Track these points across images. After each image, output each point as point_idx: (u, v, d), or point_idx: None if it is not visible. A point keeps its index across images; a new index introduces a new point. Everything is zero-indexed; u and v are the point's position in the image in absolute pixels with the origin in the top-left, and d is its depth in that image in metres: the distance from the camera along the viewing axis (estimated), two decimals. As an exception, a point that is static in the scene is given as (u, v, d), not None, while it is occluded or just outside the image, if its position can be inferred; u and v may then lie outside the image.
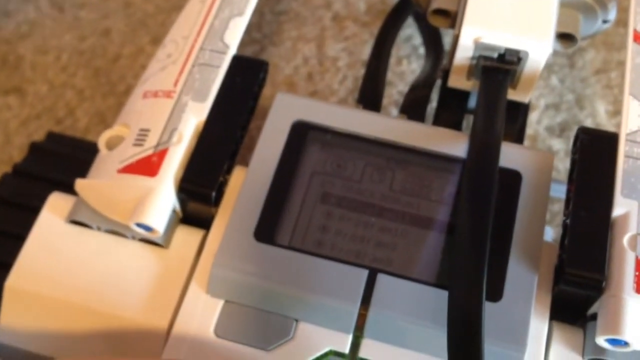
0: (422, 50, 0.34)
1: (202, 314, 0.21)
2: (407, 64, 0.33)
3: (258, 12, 0.35)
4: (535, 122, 0.31)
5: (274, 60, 0.34)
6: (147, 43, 0.35)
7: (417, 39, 0.34)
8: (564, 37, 0.26)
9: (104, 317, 0.21)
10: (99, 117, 0.33)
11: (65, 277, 0.21)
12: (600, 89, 0.32)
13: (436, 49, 0.31)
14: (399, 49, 0.34)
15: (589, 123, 0.31)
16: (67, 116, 0.33)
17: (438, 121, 0.26)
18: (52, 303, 0.21)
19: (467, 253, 0.19)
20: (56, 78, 0.34)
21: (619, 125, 0.31)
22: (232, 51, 0.24)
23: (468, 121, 0.28)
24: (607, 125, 0.32)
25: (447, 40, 0.33)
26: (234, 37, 0.24)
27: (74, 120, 0.33)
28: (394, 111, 0.32)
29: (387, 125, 0.23)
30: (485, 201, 0.20)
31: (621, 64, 0.33)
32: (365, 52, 0.34)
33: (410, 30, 0.34)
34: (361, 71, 0.33)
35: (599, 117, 0.32)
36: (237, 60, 0.24)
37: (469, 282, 0.19)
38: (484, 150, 0.22)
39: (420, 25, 0.33)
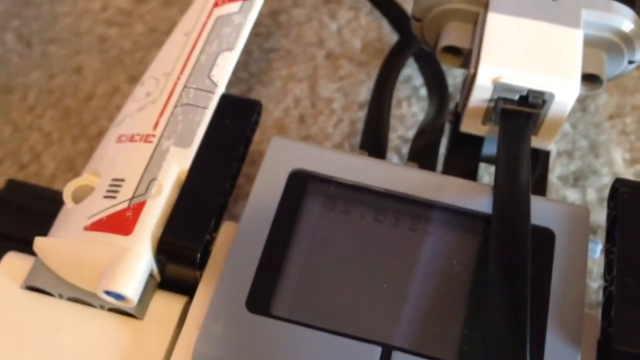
0: (423, 91, 0.31)
1: (183, 400, 0.17)
2: (408, 106, 0.31)
3: (245, 49, 0.32)
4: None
5: (262, 101, 0.31)
6: (123, 82, 0.32)
7: (417, 80, 0.31)
8: (588, 79, 0.23)
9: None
10: (68, 163, 0.30)
11: (19, 354, 0.18)
12: (615, 135, 0.30)
13: (440, 90, 0.29)
14: (398, 91, 0.31)
15: (605, 172, 0.29)
16: (31, 162, 0.30)
17: (449, 170, 0.23)
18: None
19: (505, 328, 0.16)
20: (21, 119, 0.31)
21: (638, 174, 0.29)
22: (221, 90, 0.21)
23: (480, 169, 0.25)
24: (625, 174, 0.29)
25: (450, 82, 0.30)
26: (222, 74, 0.21)
27: (40, 167, 0.29)
28: (395, 158, 0.29)
29: (397, 175, 0.20)
30: (521, 269, 0.17)
31: (636, 109, 0.31)
32: (362, 93, 0.31)
33: (409, 70, 0.32)
34: (358, 114, 0.30)
35: (616, 166, 0.29)
36: (226, 100, 0.21)
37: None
38: (512, 206, 0.19)
39: (422, 65, 0.31)
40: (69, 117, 0.31)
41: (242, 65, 0.32)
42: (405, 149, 0.30)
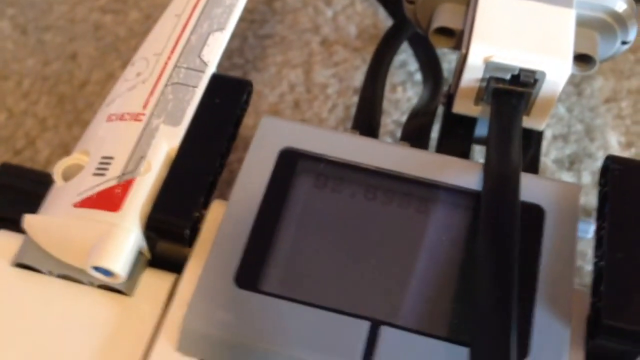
0: (418, 76, 0.31)
1: (172, 375, 0.17)
2: (402, 91, 0.31)
3: (240, 35, 0.32)
4: (543, 154, 0.29)
5: (257, 87, 0.31)
6: (117, 68, 0.32)
7: (412, 65, 0.31)
8: (581, 59, 0.23)
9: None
10: (62, 148, 0.30)
11: (9, 331, 0.18)
12: (611, 119, 0.30)
13: (435, 75, 0.29)
14: (393, 76, 0.31)
15: (600, 155, 0.29)
16: (26, 147, 0.30)
17: (442, 151, 0.23)
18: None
19: (492, 305, 0.16)
20: (16, 105, 0.31)
21: (633, 157, 0.29)
22: (211, 69, 0.21)
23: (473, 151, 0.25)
24: (621, 158, 0.29)
25: (445, 67, 0.30)
26: (213, 53, 0.21)
27: (34, 152, 0.29)
28: (389, 141, 0.29)
29: (388, 153, 0.20)
30: (509, 243, 0.17)
31: (632, 93, 0.31)
32: (357, 78, 0.31)
33: (404, 56, 0.32)
34: (352, 99, 0.30)
35: (611, 149, 0.29)
36: (216, 80, 0.21)
37: (496, 340, 0.15)
38: (502, 182, 0.19)
39: (416, 50, 0.31)
40: (64, 103, 0.31)
41: (238, 51, 0.32)
42: (399, 133, 0.29)
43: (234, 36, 0.23)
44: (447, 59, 0.31)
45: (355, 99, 0.30)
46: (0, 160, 0.29)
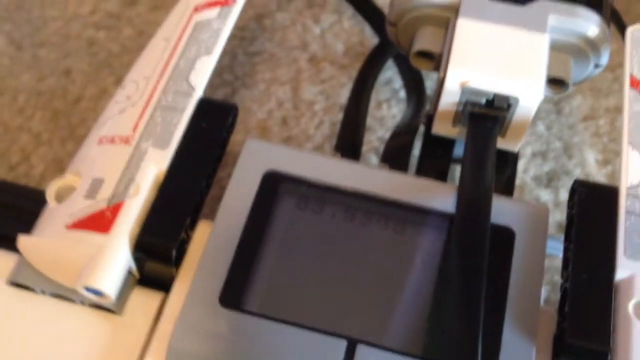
0: (403, 94, 0.32)
1: (159, 391, 0.18)
2: (387, 108, 0.32)
3: (230, 53, 0.33)
4: (521, 171, 0.30)
5: (246, 103, 0.32)
6: (111, 84, 0.32)
7: (398, 82, 0.32)
8: (555, 83, 0.24)
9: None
10: (57, 164, 0.30)
11: (2, 348, 0.19)
12: (588, 136, 0.31)
13: (418, 93, 0.30)
14: (378, 93, 0.32)
15: (578, 172, 0.30)
16: (21, 162, 0.30)
17: (422, 170, 0.24)
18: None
19: (458, 323, 0.17)
20: (11, 120, 0.31)
21: (609, 175, 0.30)
22: (198, 93, 0.22)
23: (453, 171, 0.26)
24: (597, 175, 0.30)
25: (429, 85, 0.31)
26: (200, 78, 0.22)
27: (29, 167, 0.30)
28: (374, 158, 0.30)
29: (367, 176, 0.21)
30: (477, 264, 0.18)
31: (609, 111, 0.32)
32: (344, 95, 0.32)
33: (390, 73, 0.32)
34: (339, 115, 0.31)
35: (588, 167, 0.30)
36: (203, 104, 0.22)
37: (462, 354, 0.16)
38: (473, 206, 0.20)
39: (401, 68, 0.31)
40: (58, 118, 0.32)
41: (227, 68, 0.33)
42: (383, 150, 0.30)
43: (224, 53, 0.24)
44: (432, 77, 0.32)
45: (341, 116, 0.31)
46: (-5, 175, 0.30)
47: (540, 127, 0.31)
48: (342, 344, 0.18)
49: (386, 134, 0.31)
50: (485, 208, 0.19)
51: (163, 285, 0.20)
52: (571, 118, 0.31)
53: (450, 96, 0.23)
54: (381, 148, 0.30)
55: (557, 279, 0.27)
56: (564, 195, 0.29)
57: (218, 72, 0.33)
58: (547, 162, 0.30)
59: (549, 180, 0.30)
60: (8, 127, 0.31)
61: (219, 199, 0.25)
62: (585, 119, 0.31)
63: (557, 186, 0.29)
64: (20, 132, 0.31)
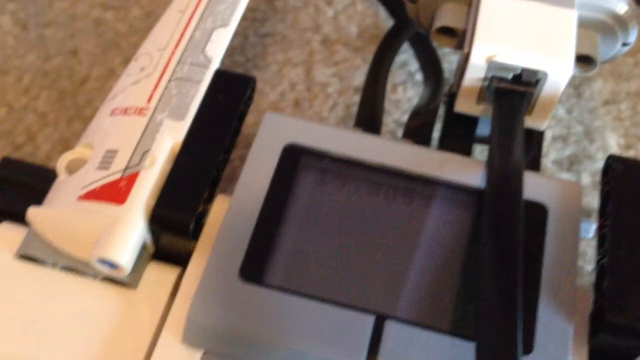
0: (418, 76, 0.31)
1: (176, 368, 0.17)
2: (403, 91, 0.31)
3: (242, 34, 0.32)
4: (542, 155, 0.29)
5: (258, 85, 0.31)
6: (118, 64, 0.32)
7: (413, 65, 0.31)
8: (582, 60, 0.23)
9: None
10: (63, 144, 0.29)
11: (12, 324, 0.18)
12: (610, 120, 0.30)
13: (435, 74, 0.29)
14: (393, 76, 0.31)
15: (599, 157, 0.29)
16: (26, 142, 0.29)
17: (443, 150, 0.23)
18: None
19: (497, 300, 0.16)
20: (16, 101, 0.31)
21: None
22: (215, 65, 0.21)
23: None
24: (619, 160, 0.29)
25: (446, 67, 0.30)
26: (217, 49, 0.21)
27: (35, 147, 0.29)
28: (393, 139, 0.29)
29: (392, 150, 0.20)
30: (513, 240, 0.17)
31: (630, 96, 0.31)
32: (358, 78, 0.31)
33: (405, 56, 0.32)
34: (353, 98, 0.31)
35: (610, 151, 0.29)
36: (220, 76, 0.21)
37: (502, 336, 0.15)
38: (505, 180, 0.19)
39: (417, 50, 0.31)
40: (64, 99, 0.31)
41: (239, 49, 0.32)
42: (400, 133, 0.30)
43: (235, 34, 0.23)
44: (448, 60, 0.31)
45: (355, 99, 0.31)
46: (0, 154, 0.29)
47: (561, 111, 0.30)
48: (370, 319, 0.17)
49: (402, 116, 0.30)
50: (517, 183, 0.19)
51: (178, 260, 0.19)
52: (592, 102, 0.31)
53: (475, 72, 0.22)
54: (397, 130, 0.30)
55: (579, 262, 0.26)
56: (586, 180, 0.28)
57: (229, 53, 0.32)
58: (568, 146, 0.29)
59: (570, 164, 0.29)
60: (13, 107, 0.30)
61: (230, 179, 0.24)
62: (606, 103, 0.31)
63: (579, 170, 0.29)
64: (25, 112, 0.30)
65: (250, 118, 0.28)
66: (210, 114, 0.20)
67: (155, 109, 0.20)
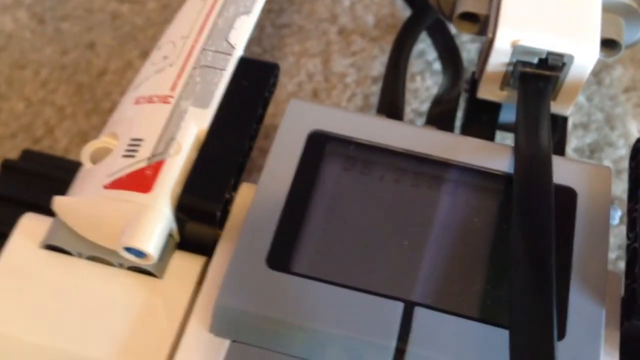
0: (436, 66, 0.31)
1: (204, 357, 0.17)
2: (421, 80, 0.31)
3: (258, 25, 0.32)
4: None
5: (275, 76, 0.31)
6: (135, 57, 0.32)
7: (431, 55, 0.31)
8: (606, 44, 0.23)
9: (84, 362, 0.17)
10: (81, 137, 0.29)
11: (38, 314, 0.18)
12: (631, 107, 0.30)
13: (454, 63, 0.29)
14: (411, 65, 0.31)
15: (621, 144, 0.29)
16: (45, 136, 0.29)
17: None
18: (21, 346, 0.18)
19: (531, 286, 0.16)
20: (34, 94, 0.31)
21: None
22: (239, 52, 0.21)
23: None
24: (642, 147, 0.29)
25: (464, 56, 0.30)
26: (240, 37, 0.21)
27: (53, 141, 0.29)
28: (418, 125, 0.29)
29: (417, 136, 0.20)
30: (545, 224, 0.17)
31: (651, 82, 0.31)
32: (375, 68, 0.31)
33: (422, 45, 0.31)
34: (371, 88, 0.30)
35: (632, 138, 0.29)
36: (244, 63, 0.21)
37: (538, 322, 0.15)
38: (534, 164, 0.19)
39: (435, 39, 0.30)
40: (82, 92, 0.31)
41: (255, 40, 0.32)
42: (419, 122, 0.29)
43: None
44: (466, 49, 0.31)
45: (373, 88, 0.30)
46: (19, 148, 0.29)
47: (581, 98, 0.30)
48: (399, 306, 0.17)
49: (421, 106, 0.30)
50: (546, 167, 0.18)
51: (203, 249, 0.19)
52: (612, 89, 0.30)
53: (499, 57, 0.22)
54: (416, 120, 0.30)
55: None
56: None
57: (246, 43, 0.32)
58: (589, 134, 0.29)
59: (592, 151, 0.29)
60: (31, 101, 0.30)
61: (248, 169, 0.24)
62: (626, 90, 0.30)
63: (600, 157, 0.28)
64: (43, 105, 0.30)
65: (268, 109, 0.28)
66: (235, 101, 0.20)
67: (180, 96, 0.20)
